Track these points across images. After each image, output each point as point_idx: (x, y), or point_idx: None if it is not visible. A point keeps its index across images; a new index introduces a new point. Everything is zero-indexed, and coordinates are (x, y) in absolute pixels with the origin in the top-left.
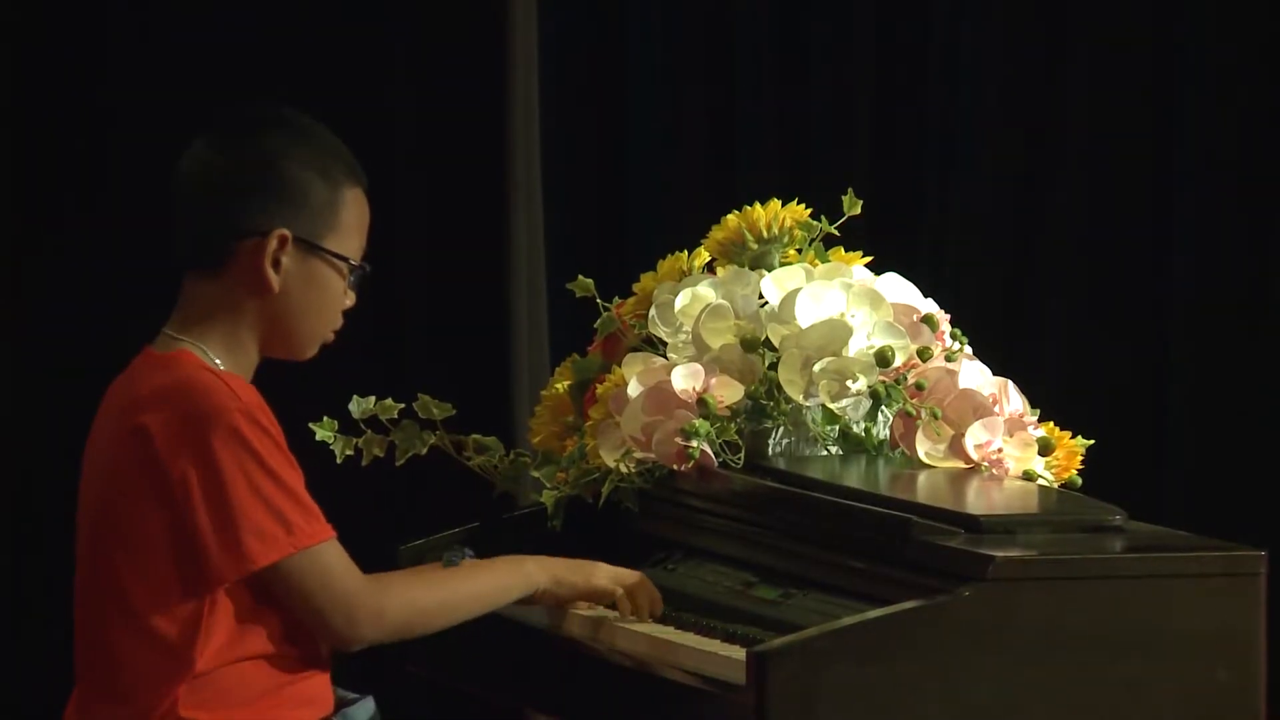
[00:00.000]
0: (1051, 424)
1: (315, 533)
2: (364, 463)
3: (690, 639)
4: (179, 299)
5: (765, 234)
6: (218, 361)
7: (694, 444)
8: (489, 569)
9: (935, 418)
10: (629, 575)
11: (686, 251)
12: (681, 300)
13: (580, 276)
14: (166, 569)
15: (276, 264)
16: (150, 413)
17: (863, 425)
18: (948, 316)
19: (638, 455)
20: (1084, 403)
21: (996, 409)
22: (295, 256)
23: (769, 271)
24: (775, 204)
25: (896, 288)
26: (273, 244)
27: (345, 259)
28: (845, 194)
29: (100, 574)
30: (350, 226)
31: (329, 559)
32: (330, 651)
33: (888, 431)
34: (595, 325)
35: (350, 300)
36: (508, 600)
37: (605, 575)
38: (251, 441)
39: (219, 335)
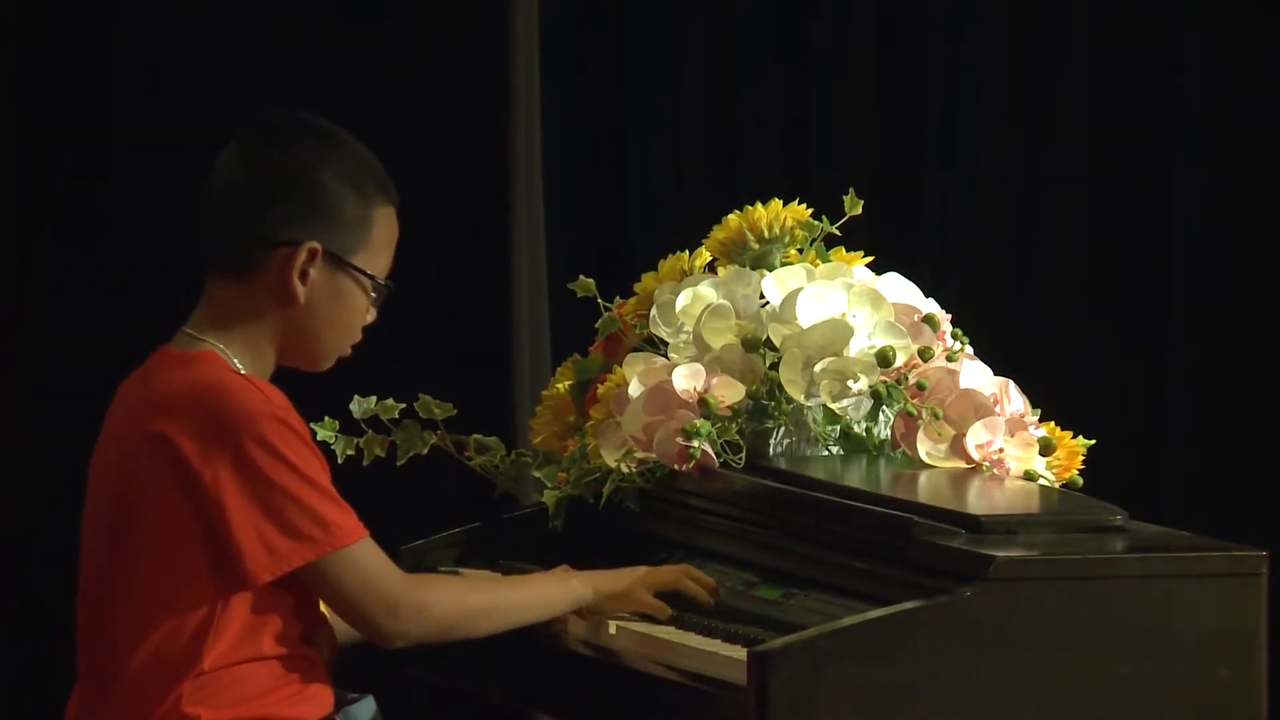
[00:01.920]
0: (1053, 424)
1: (351, 531)
2: (365, 463)
3: (691, 639)
4: (201, 301)
5: (766, 234)
6: (239, 365)
7: (695, 444)
8: (536, 581)
9: (936, 418)
10: (669, 576)
11: (688, 251)
12: (683, 300)
13: (581, 276)
14: (186, 570)
15: (304, 276)
16: (174, 415)
17: (864, 425)
18: (949, 316)
19: (639, 455)
20: (1084, 403)
21: (998, 409)
22: (323, 270)
23: (770, 271)
24: (776, 204)
25: (897, 287)
26: (302, 256)
27: (372, 276)
28: (846, 194)
29: (110, 573)
30: (380, 244)
31: (367, 556)
32: (333, 654)
33: (889, 431)
34: (596, 325)
35: (371, 316)
36: (553, 613)
37: (648, 584)
38: (284, 444)
39: (240, 340)
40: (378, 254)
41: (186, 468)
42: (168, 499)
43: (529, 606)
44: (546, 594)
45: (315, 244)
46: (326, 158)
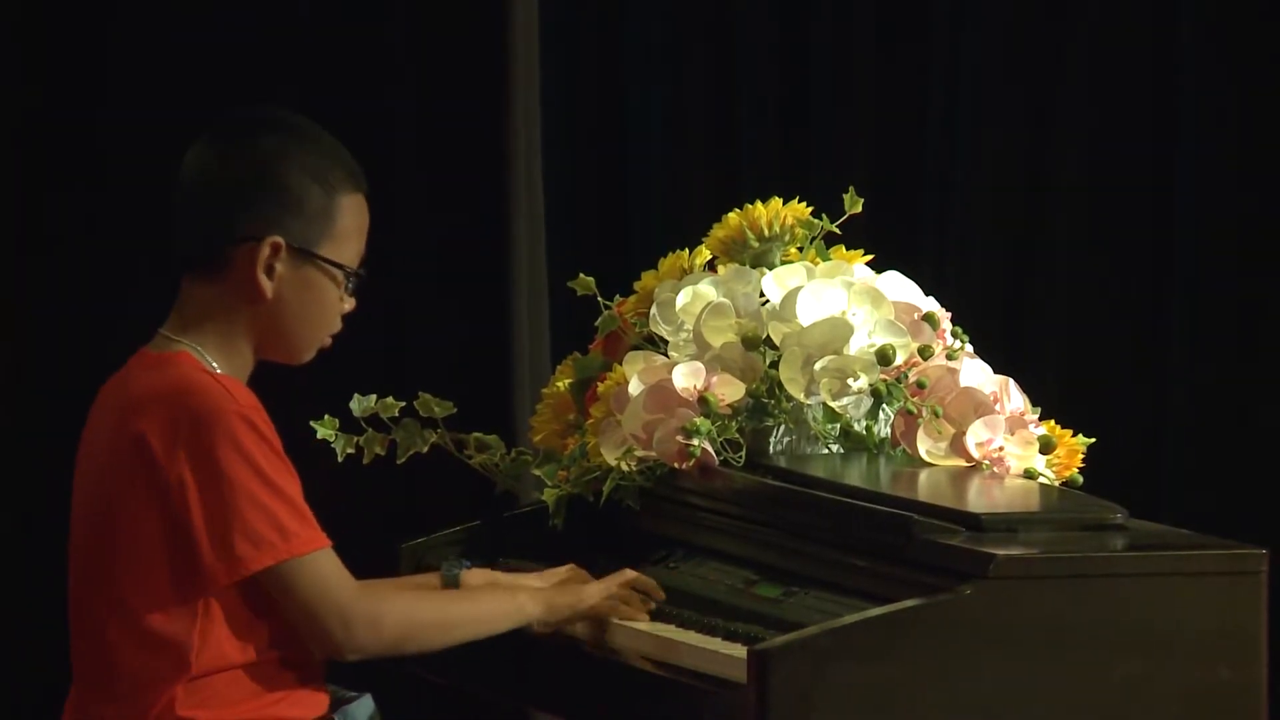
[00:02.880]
0: (1052, 422)
1: (310, 539)
2: (365, 461)
3: (692, 637)
4: (176, 300)
5: (766, 232)
6: (214, 364)
7: (695, 442)
8: (485, 595)
9: (936, 416)
10: (617, 582)
11: (688, 250)
12: (683, 298)
13: (581, 274)
14: (163, 572)
15: (270, 270)
16: (147, 415)
17: (864, 423)
18: (949, 314)
19: (639, 453)
20: (1084, 401)
21: (998, 407)
22: (289, 263)
23: (770, 270)
24: (776, 202)
25: (897, 286)
26: (265, 250)
27: (341, 266)
28: (846, 192)
29: (96, 575)
30: (348, 233)
31: (325, 567)
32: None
33: (889, 430)
34: (596, 323)
35: (349, 305)
36: (502, 629)
37: (594, 593)
38: (248, 446)
39: (214, 338)
40: (345, 243)
41: (156, 468)
42: (143, 499)
43: (479, 621)
44: (497, 609)
45: (278, 238)
46: (287, 150)
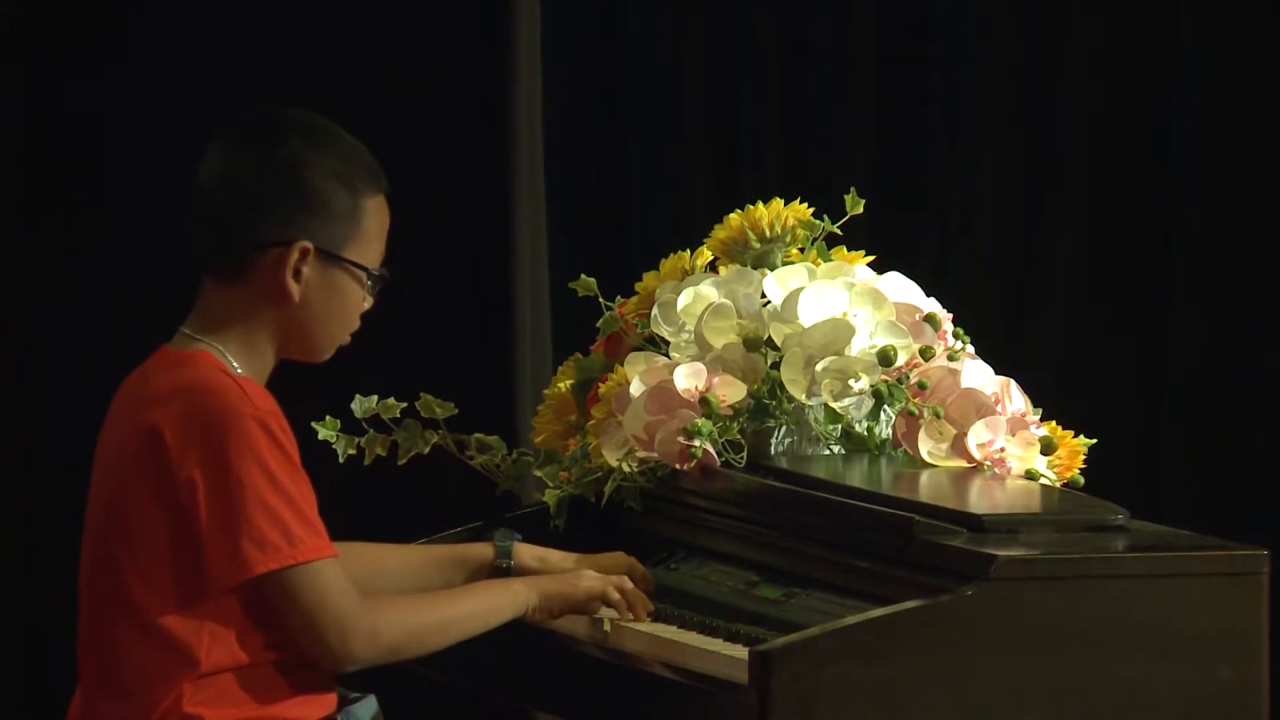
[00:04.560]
0: (1054, 423)
1: (316, 548)
2: (366, 462)
3: (693, 638)
4: (197, 300)
5: (768, 233)
6: (235, 365)
7: (696, 443)
8: (479, 591)
9: (938, 417)
10: (613, 574)
11: (689, 251)
12: (684, 299)
13: (583, 275)
14: (169, 569)
15: (297, 274)
16: (164, 411)
17: (865, 424)
18: (950, 315)
19: (640, 454)
20: (1084, 402)
21: (999, 408)
22: (316, 266)
23: (771, 270)
24: (777, 203)
25: (899, 287)
26: (294, 255)
27: (365, 268)
28: (847, 193)
29: (106, 571)
30: (371, 234)
31: (327, 576)
32: None
33: (890, 431)
34: (598, 324)
35: (368, 304)
36: (500, 621)
37: (591, 579)
38: (261, 449)
39: (237, 339)
40: (370, 244)
41: (168, 464)
42: (153, 494)
43: (475, 617)
44: (491, 603)
45: (306, 243)
46: (311, 154)
